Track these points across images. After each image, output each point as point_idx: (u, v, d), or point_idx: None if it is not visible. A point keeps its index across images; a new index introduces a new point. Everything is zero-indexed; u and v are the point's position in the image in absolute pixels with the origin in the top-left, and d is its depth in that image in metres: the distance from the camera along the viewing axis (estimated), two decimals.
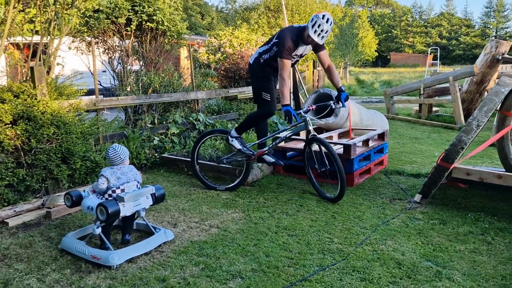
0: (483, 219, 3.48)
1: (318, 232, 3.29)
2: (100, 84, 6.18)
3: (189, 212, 3.81)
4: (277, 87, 4.30)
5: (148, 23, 5.98)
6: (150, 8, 5.94)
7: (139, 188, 3.12)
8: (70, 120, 4.21)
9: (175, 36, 6.35)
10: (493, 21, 67.30)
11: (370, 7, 77.53)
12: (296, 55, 4.19)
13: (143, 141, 5.53)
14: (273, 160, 4.51)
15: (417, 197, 3.98)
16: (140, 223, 3.34)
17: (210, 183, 4.59)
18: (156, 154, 5.49)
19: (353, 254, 2.90)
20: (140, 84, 6.00)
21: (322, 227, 3.39)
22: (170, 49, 6.48)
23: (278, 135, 4.58)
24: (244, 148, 4.41)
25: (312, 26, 3.85)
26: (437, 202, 3.96)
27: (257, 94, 4.30)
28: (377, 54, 50.31)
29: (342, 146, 4.61)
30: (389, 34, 68.90)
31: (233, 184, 4.51)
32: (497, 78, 9.40)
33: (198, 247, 3.04)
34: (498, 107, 3.96)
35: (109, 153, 3.07)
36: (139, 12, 5.90)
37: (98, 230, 2.89)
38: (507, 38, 62.40)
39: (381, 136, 5.37)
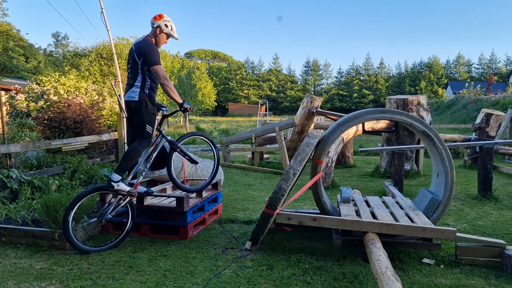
0: (304, 260, 3.77)
1: None
2: None
3: None
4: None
5: None
6: None
7: None
8: None
9: None
10: (311, 78, 78.69)
11: (208, 60, 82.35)
12: None
13: None
14: (145, 189, 4.46)
15: (248, 245, 4.11)
16: None
17: (85, 246, 4.02)
18: None
19: None
20: None
21: None
22: None
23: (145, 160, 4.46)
24: (132, 189, 4.20)
25: (166, 26, 4.31)
26: (266, 247, 4.16)
27: (141, 127, 4.25)
28: (216, 104, 53.14)
29: (175, 198, 4.51)
30: (226, 85, 73.91)
31: (118, 238, 4.17)
32: (314, 128, 10.79)
33: None
34: (312, 156, 4.48)
35: None
36: None
37: None
38: (323, 93, 73.53)
39: (215, 186, 5.48)
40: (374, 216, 4.08)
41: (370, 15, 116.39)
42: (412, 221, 3.89)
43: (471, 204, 6.17)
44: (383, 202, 4.76)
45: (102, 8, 7.89)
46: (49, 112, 7.76)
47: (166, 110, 4.55)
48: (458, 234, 3.66)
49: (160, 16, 4.29)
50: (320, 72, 79.37)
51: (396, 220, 3.92)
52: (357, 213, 4.21)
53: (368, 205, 4.58)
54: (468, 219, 5.27)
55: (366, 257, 3.73)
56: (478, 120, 9.73)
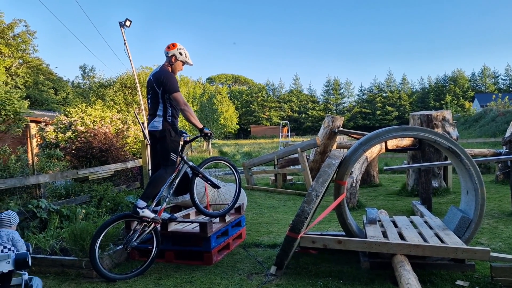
0: (331, 285, 3.67)
1: None
2: None
3: None
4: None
5: None
6: None
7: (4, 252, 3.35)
8: None
9: (12, 116, 5.71)
10: (333, 97, 78.46)
11: (229, 84, 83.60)
12: None
13: None
14: (169, 216, 4.59)
15: (273, 269, 4.04)
16: None
17: (112, 274, 4.06)
18: None
19: None
20: None
21: None
22: (5, 129, 5.77)
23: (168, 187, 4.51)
24: (156, 215, 4.30)
25: (181, 54, 4.39)
26: (291, 271, 4.08)
27: (166, 156, 4.31)
28: (238, 127, 53.61)
29: (198, 224, 4.51)
30: (248, 108, 74.58)
31: (144, 265, 4.24)
32: (336, 148, 10.69)
33: None
34: (335, 177, 4.41)
35: (2, 216, 3.60)
36: None
37: None
38: (345, 111, 73.03)
39: (238, 209, 5.46)
40: (402, 237, 3.96)
41: (390, 33, 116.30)
42: (442, 241, 3.75)
43: (506, 221, 5.91)
44: (411, 222, 4.62)
45: (124, 40, 8.18)
46: (76, 142, 7.98)
47: (187, 136, 4.62)
48: (492, 253, 3.50)
49: (174, 45, 4.40)
50: (342, 91, 79.09)
51: (425, 240, 3.79)
52: (384, 234, 4.10)
53: (396, 226, 4.45)
54: (503, 237, 5.05)
55: (396, 280, 3.61)
56: (508, 133, 9.43)
